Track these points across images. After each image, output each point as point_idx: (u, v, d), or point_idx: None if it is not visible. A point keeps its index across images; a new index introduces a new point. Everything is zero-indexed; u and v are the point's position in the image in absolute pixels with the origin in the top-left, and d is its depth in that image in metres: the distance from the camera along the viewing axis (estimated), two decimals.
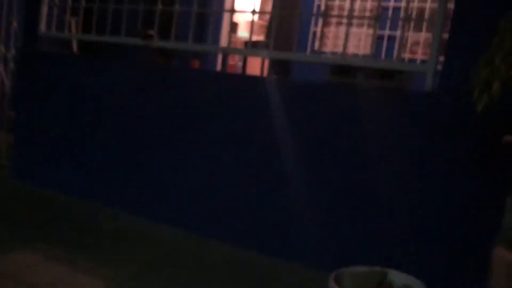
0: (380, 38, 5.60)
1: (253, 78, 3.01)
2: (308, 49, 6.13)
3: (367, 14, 5.81)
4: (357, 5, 5.86)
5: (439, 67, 2.37)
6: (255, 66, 5.11)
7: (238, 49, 4.71)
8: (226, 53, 4.85)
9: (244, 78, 3.18)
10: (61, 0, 3.61)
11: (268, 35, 4.42)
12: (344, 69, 2.71)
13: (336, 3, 6.12)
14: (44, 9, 3.52)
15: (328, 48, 6.17)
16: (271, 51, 2.77)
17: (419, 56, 5.53)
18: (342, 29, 5.99)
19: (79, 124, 3.32)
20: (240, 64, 5.62)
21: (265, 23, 5.60)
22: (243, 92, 2.76)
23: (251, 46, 3.09)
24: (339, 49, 5.89)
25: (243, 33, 6.62)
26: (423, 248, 2.26)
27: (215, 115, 2.81)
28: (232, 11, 3.01)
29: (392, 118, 2.37)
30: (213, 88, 2.86)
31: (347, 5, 6.02)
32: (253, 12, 2.87)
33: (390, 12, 5.65)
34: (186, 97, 2.93)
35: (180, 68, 3.82)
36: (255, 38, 4.34)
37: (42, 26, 3.53)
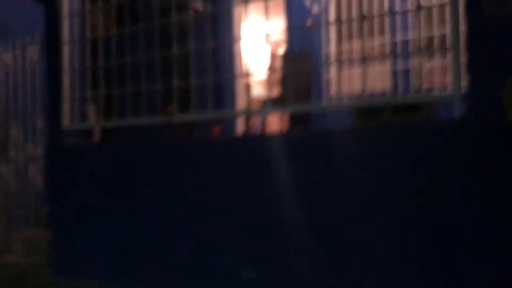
0: (394, 72, 5.60)
1: (276, 137, 2.97)
2: (324, 96, 6.14)
3: (375, 51, 5.84)
4: (365, 44, 5.90)
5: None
6: (274, 122, 5.13)
7: (259, 110, 4.70)
8: (247, 115, 4.86)
9: (266, 139, 3.11)
10: (81, 91, 3.71)
11: (282, 90, 4.47)
12: (368, 110, 2.67)
13: (344, 46, 6.17)
14: (66, 104, 3.61)
15: (344, 91, 6.16)
16: (292, 105, 2.76)
17: (435, 84, 5.47)
18: (355, 71, 6.00)
19: (113, 210, 3.31)
20: (259, 122, 5.63)
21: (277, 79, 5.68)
22: (268, 154, 2.72)
23: (269, 103, 3.10)
24: (355, 91, 5.88)
25: (257, 90, 6.71)
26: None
27: (247, 182, 2.78)
28: (248, 75, 3.05)
29: (428, 151, 2.30)
30: (237, 155, 2.86)
31: (355, 46, 6.07)
32: (269, 70, 2.89)
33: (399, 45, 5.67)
34: (214, 167, 2.91)
35: (201, 139, 3.84)
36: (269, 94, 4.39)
37: (65, 121, 3.61)
